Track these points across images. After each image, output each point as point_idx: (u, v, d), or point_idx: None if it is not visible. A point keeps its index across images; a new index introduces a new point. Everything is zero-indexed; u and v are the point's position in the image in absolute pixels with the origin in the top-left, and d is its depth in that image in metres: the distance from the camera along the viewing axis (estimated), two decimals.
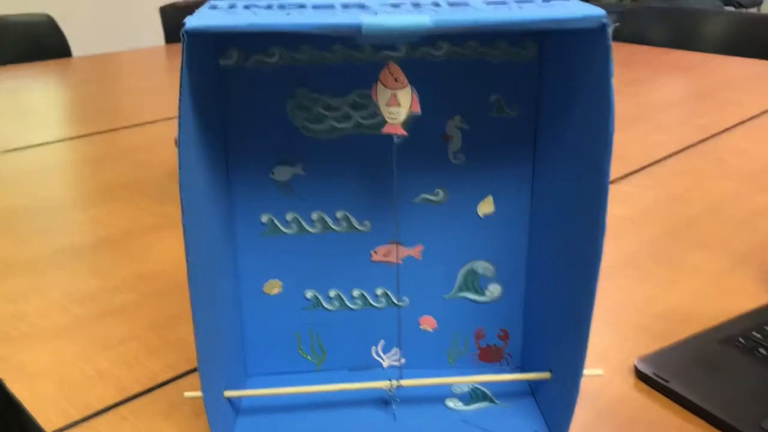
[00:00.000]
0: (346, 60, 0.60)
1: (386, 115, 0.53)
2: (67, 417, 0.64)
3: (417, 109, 0.53)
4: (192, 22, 0.47)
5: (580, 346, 0.55)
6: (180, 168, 0.49)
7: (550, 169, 0.61)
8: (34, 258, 0.96)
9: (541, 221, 0.63)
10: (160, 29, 2.70)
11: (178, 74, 0.49)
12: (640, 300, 0.83)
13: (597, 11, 0.48)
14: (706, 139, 1.42)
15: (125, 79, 2.20)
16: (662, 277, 0.88)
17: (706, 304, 0.82)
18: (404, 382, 0.62)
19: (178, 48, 2.45)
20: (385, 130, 0.54)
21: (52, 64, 2.32)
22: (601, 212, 0.51)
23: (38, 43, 2.43)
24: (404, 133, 0.54)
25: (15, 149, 1.44)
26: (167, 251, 0.97)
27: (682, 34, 2.48)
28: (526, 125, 0.62)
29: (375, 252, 0.66)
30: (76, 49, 2.51)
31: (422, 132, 0.62)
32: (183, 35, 0.47)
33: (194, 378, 0.70)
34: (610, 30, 0.47)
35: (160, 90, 1.96)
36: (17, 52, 2.34)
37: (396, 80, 0.52)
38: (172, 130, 1.34)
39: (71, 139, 1.52)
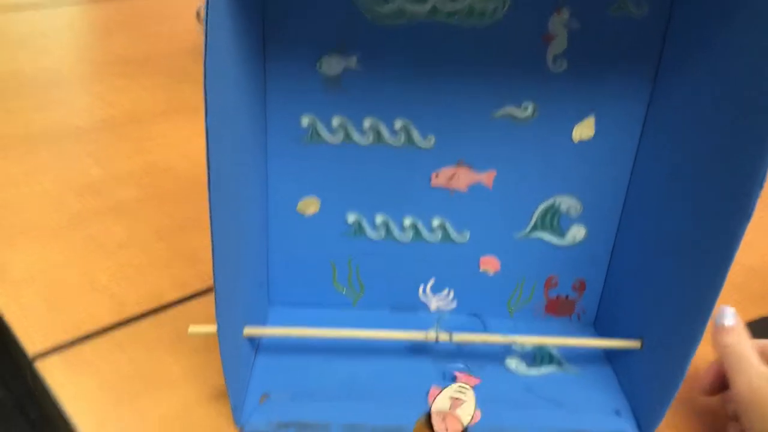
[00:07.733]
0: None
1: None
2: (53, 338, 0.54)
3: None
4: None
5: (698, 320, 0.44)
6: (206, 50, 0.36)
7: (676, 94, 0.47)
8: (26, 135, 0.83)
9: (654, 156, 0.50)
10: None
11: None
12: None
13: None
14: None
15: None
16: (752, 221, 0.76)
17: None
18: (457, 337, 0.51)
19: None
20: None
21: None
22: (761, 162, 0.38)
23: None
24: None
25: (16, 8, 1.29)
26: (180, 143, 0.85)
27: None
28: (654, 31, 0.48)
29: (436, 175, 0.53)
30: None
31: (517, 27, 0.48)
32: None
33: (207, 301, 0.59)
34: None
35: None
36: None
37: None
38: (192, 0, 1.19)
39: (78, 3, 1.36)
